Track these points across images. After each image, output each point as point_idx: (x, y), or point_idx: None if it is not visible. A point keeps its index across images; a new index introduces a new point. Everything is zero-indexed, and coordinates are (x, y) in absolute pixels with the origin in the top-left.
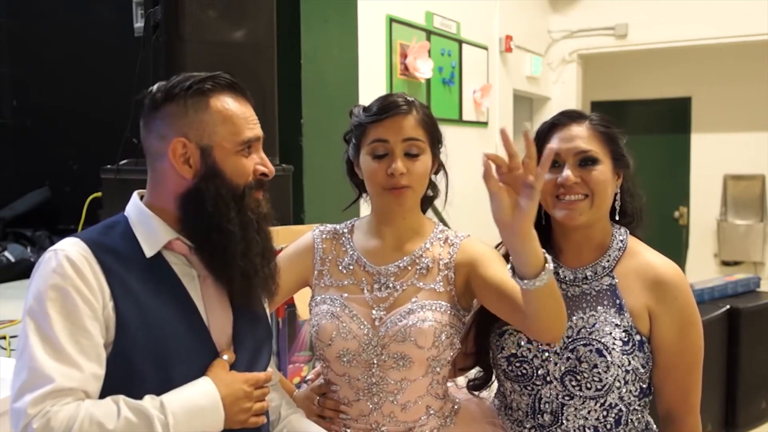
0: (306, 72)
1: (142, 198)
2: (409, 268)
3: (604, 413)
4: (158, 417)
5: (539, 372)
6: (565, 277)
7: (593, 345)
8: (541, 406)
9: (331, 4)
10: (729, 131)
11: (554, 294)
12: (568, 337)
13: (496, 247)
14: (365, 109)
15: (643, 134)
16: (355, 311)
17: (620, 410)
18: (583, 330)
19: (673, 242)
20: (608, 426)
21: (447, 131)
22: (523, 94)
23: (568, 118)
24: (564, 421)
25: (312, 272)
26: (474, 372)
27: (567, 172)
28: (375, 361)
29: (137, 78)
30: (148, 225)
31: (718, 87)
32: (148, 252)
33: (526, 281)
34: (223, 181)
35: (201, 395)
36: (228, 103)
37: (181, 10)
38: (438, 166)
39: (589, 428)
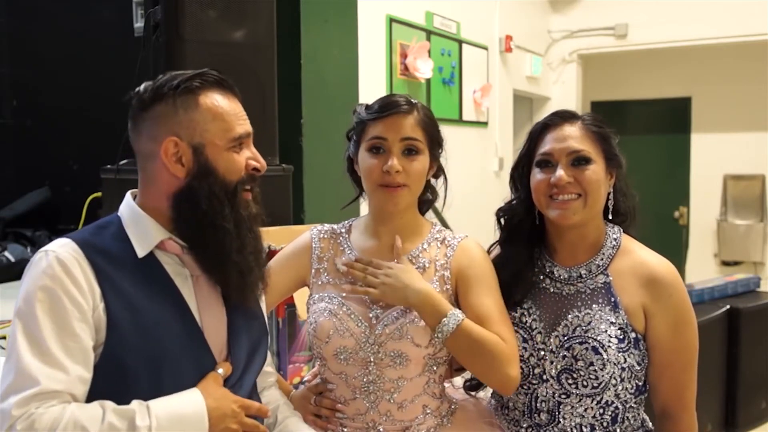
0: (306, 72)
1: (135, 198)
2: None
3: (601, 411)
4: (142, 421)
5: (535, 371)
6: (559, 276)
7: (589, 343)
8: (538, 405)
9: (331, 4)
10: (729, 131)
11: (470, 343)
12: (564, 336)
13: (490, 247)
14: (367, 107)
15: (643, 134)
16: (352, 309)
17: (616, 408)
18: (578, 328)
19: (673, 242)
20: (605, 424)
21: (447, 131)
22: (523, 94)
23: (560, 118)
24: (561, 420)
25: (309, 271)
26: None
27: (560, 172)
28: (372, 359)
29: (137, 78)
30: (140, 225)
31: (718, 87)
32: (140, 252)
33: (434, 333)
34: (216, 178)
35: (187, 404)
36: (217, 100)
37: (181, 10)
38: (437, 169)
39: (585, 426)
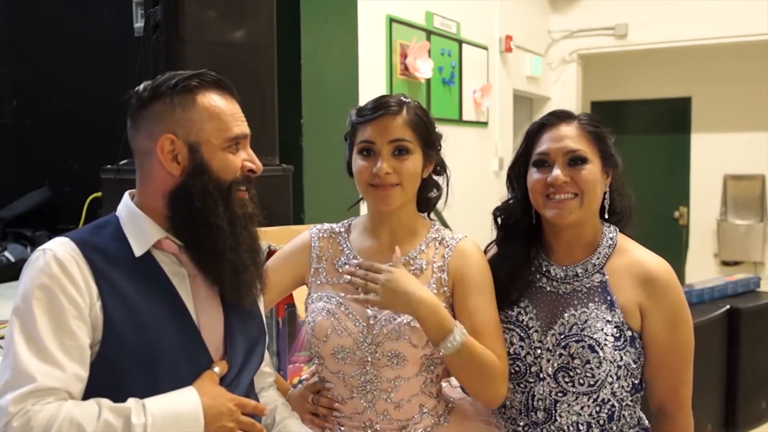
0: (306, 72)
1: (133, 198)
2: (404, 267)
3: (597, 409)
4: (137, 419)
5: (532, 369)
6: (556, 274)
7: (585, 341)
8: (535, 403)
9: (331, 4)
10: (729, 131)
11: (470, 360)
12: (560, 334)
13: (487, 246)
14: (359, 110)
15: (643, 134)
16: (350, 309)
17: (613, 406)
18: (575, 326)
19: (673, 242)
20: (601, 422)
21: (447, 131)
22: (523, 94)
23: (557, 118)
24: (557, 418)
25: (308, 270)
26: None
27: (556, 172)
28: (369, 359)
29: (137, 78)
30: (137, 224)
31: (718, 87)
32: (138, 251)
33: (436, 347)
34: (210, 177)
35: (183, 402)
36: (214, 100)
37: (181, 10)
38: (438, 167)
39: (582, 424)
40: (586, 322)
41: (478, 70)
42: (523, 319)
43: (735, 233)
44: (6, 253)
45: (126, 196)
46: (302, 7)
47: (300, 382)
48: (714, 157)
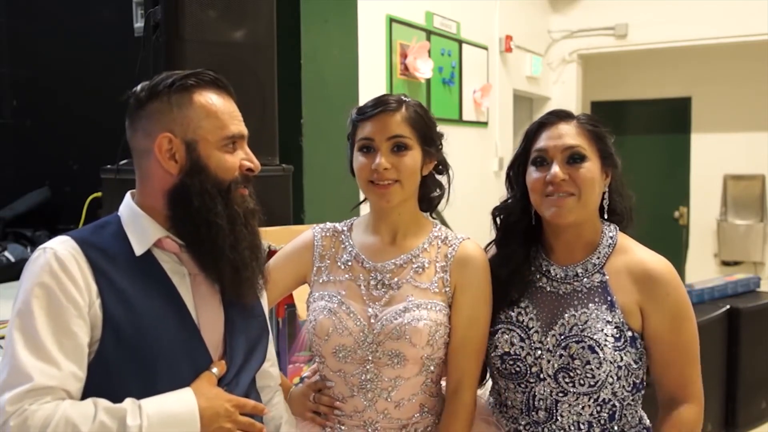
0: (306, 72)
1: (134, 198)
2: (405, 265)
3: (598, 408)
4: (133, 420)
5: (533, 369)
6: (556, 274)
7: (585, 342)
8: (536, 403)
9: (331, 4)
10: (729, 131)
11: None
12: (560, 335)
13: (486, 246)
14: (359, 108)
15: (643, 134)
16: (351, 308)
17: (614, 405)
18: (575, 327)
19: (673, 242)
20: (602, 421)
21: (447, 131)
22: (523, 94)
23: (556, 117)
24: (558, 418)
25: (311, 268)
26: None
27: (555, 169)
28: (370, 358)
29: (137, 78)
30: (138, 224)
31: (718, 87)
32: (138, 250)
33: None
34: (208, 176)
35: (179, 404)
36: (211, 99)
37: (181, 10)
38: (439, 165)
39: (583, 424)
40: (586, 322)
41: (478, 70)
42: (523, 320)
43: (735, 233)
44: (6, 253)
45: (128, 195)
46: (302, 7)
47: (302, 380)
48: (714, 157)
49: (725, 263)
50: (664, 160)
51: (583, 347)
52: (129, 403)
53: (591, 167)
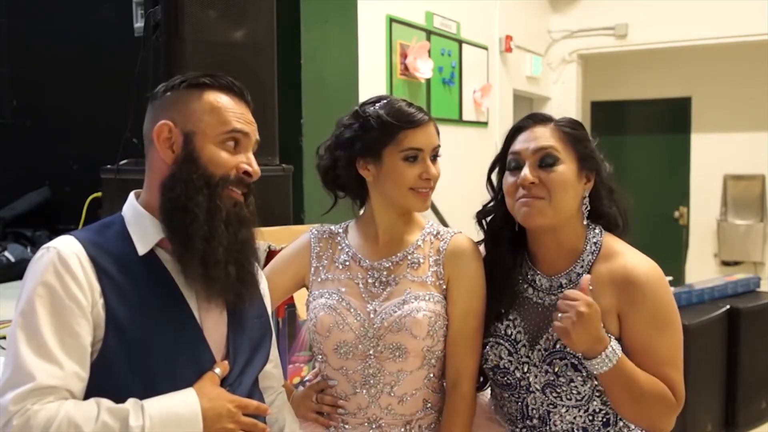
0: (306, 72)
1: (138, 198)
2: (401, 262)
3: (590, 418)
4: (135, 421)
5: (522, 383)
6: (541, 285)
7: (568, 359)
8: (529, 411)
9: (331, 4)
10: (729, 131)
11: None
12: (545, 350)
13: (480, 242)
14: (393, 113)
15: (643, 134)
16: (351, 304)
17: (606, 413)
18: (558, 342)
19: (673, 242)
20: (597, 428)
21: (447, 131)
22: (523, 94)
23: (532, 120)
24: (552, 426)
25: (309, 270)
26: None
27: (524, 172)
28: (371, 353)
29: (137, 78)
30: (141, 224)
31: (718, 87)
32: (141, 250)
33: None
34: (197, 167)
35: (182, 404)
36: (220, 98)
37: (181, 10)
38: None
39: (578, 429)
40: None
41: (478, 70)
42: (511, 333)
43: (735, 233)
44: (6, 253)
45: (131, 195)
46: (302, 7)
47: (302, 383)
48: (714, 157)
49: (725, 263)
50: (664, 160)
51: (566, 364)
52: (132, 403)
53: (564, 170)
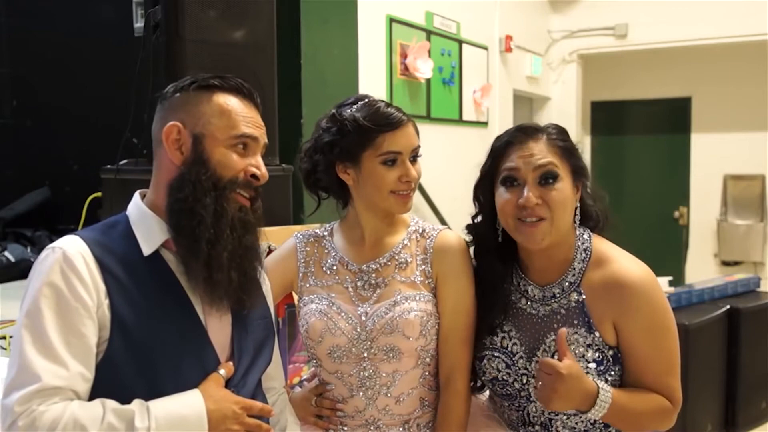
0: (306, 72)
1: (144, 198)
2: (389, 263)
3: (592, 422)
4: (141, 422)
5: (522, 393)
6: (534, 295)
7: None
8: (531, 419)
9: (331, 4)
10: (729, 131)
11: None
12: None
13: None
14: (370, 116)
15: (643, 134)
16: (342, 308)
17: None
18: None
19: (673, 242)
20: (598, 430)
21: (447, 131)
22: (523, 94)
23: (524, 134)
24: (555, 431)
25: (297, 275)
26: None
27: (528, 193)
28: (365, 355)
29: (137, 78)
30: (146, 224)
31: (718, 87)
32: (146, 250)
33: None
34: (207, 169)
35: (187, 406)
36: (230, 100)
37: (181, 10)
38: None
39: None
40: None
41: (478, 70)
42: (507, 345)
43: (735, 233)
44: (6, 253)
45: (136, 195)
46: (302, 7)
47: (300, 382)
48: (714, 157)
49: (725, 263)
50: (664, 160)
51: None
52: (137, 404)
53: (563, 187)
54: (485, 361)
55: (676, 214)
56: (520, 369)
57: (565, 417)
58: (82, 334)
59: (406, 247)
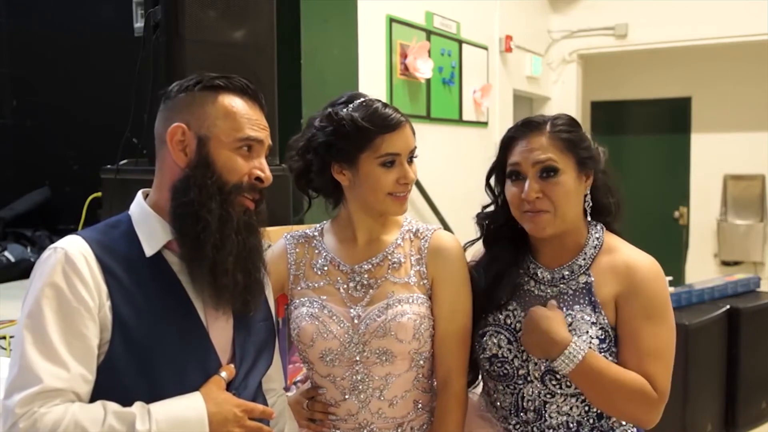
0: (306, 72)
1: (146, 197)
2: (381, 264)
3: (586, 408)
4: (142, 425)
5: (520, 372)
6: (543, 277)
7: None
8: (524, 404)
9: (331, 4)
10: (729, 131)
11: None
12: None
13: (466, 244)
14: (368, 117)
15: (643, 134)
16: (333, 311)
17: None
18: None
19: (673, 242)
20: (591, 420)
21: (447, 131)
22: (523, 94)
23: (527, 128)
24: (547, 418)
25: (287, 278)
26: None
27: (528, 187)
28: (358, 358)
29: (137, 78)
30: (149, 224)
31: (718, 87)
32: (148, 251)
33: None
34: (212, 173)
35: (188, 408)
36: (235, 102)
37: (181, 10)
38: None
39: (572, 423)
40: (571, 325)
41: (478, 70)
42: (511, 322)
43: (735, 233)
44: (6, 253)
45: (139, 194)
46: (302, 7)
47: (295, 383)
48: (714, 157)
49: (725, 263)
50: (664, 160)
51: None
52: (138, 407)
53: (565, 180)
54: (487, 337)
55: (676, 214)
56: (521, 346)
57: (561, 399)
58: (83, 335)
59: (399, 247)
